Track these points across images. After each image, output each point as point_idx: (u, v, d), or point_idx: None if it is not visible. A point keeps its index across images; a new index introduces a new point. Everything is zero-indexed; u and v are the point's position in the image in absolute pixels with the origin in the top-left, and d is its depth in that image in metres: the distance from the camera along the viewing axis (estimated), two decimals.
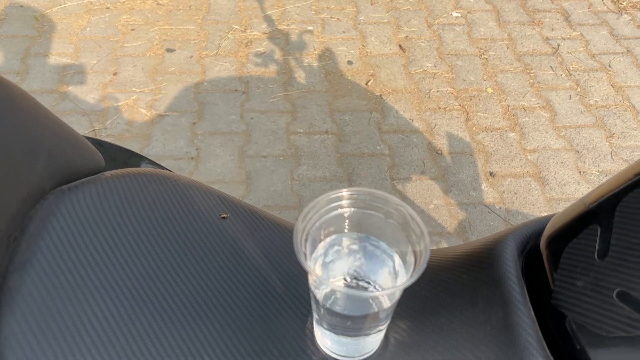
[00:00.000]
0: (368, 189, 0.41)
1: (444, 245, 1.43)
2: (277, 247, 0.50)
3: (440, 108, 1.77)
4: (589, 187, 1.58)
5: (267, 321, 0.45)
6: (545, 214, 1.51)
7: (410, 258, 0.40)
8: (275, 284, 0.47)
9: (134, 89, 1.75)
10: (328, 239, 0.42)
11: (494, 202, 1.53)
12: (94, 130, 1.63)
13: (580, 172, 1.62)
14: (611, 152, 1.67)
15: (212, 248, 0.48)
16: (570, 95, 1.83)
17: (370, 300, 0.38)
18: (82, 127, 1.63)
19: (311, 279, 0.39)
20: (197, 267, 0.46)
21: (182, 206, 0.50)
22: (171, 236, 0.47)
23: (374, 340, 0.43)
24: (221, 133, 1.64)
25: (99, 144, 0.65)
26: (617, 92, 1.85)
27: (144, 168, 0.52)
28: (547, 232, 0.47)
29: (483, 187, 1.56)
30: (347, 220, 0.42)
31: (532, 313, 0.43)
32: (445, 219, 1.48)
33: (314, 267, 0.42)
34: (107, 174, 0.50)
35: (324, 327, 0.42)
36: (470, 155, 1.64)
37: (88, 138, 0.56)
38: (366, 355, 0.44)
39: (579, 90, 1.85)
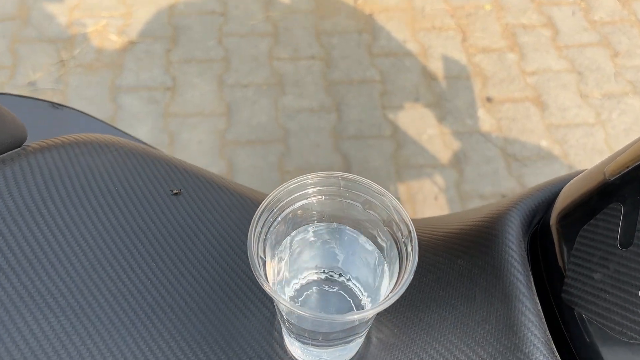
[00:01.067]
0: (341, 173, 0.33)
1: (438, 178, 1.36)
2: (242, 229, 0.43)
3: (435, 28, 1.65)
4: (590, 112, 1.49)
5: (227, 324, 0.38)
6: (545, 142, 1.44)
7: (395, 254, 0.33)
8: (237, 275, 0.40)
9: (103, 14, 1.61)
10: (294, 232, 0.35)
11: (491, 129, 1.45)
12: (62, 60, 1.51)
13: (581, 95, 1.53)
14: (615, 73, 1.57)
15: (161, 235, 0.40)
16: (573, 11, 1.70)
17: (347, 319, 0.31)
18: (49, 57, 1.51)
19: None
20: (140, 261, 0.39)
21: (123, 182, 0.41)
22: (109, 224, 0.39)
23: (353, 346, 0.37)
24: (198, 60, 1.53)
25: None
26: (624, 6, 1.72)
27: (79, 135, 0.43)
28: (558, 206, 0.40)
29: (479, 114, 1.48)
30: (317, 210, 0.34)
31: (539, 308, 0.36)
32: (439, 150, 1.41)
33: (280, 264, 0.35)
34: (30, 147, 0.41)
35: (291, 337, 0.35)
36: (466, 79, 1.54)
37: (18, 96, 0.47)
38: None
39: (583, 5, 1.72)
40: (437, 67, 1.56)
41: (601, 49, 1.63)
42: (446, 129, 1.44)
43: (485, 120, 1.47)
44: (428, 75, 1.54)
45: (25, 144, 0.42)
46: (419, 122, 1.45)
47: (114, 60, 1.52)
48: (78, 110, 0.60)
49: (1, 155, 0.40)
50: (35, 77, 1.48)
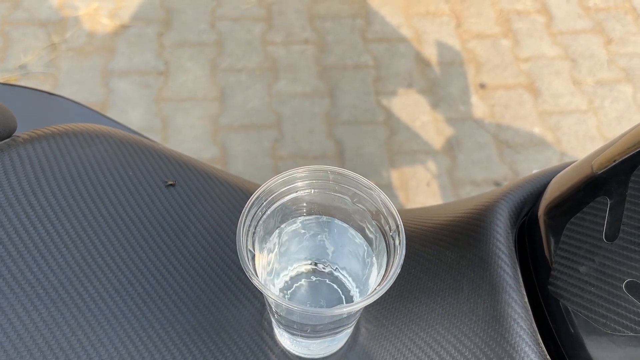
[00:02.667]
0: (330, 167, 0.33)
1: (431, 165, 1.37)
2: (232, 219, 0.43)
3: (429, 13, 1.64)
4: (582, 99, 1.49)
5: (217, 314, 0.38)
6: (537, 129, 1.44)
7: (383, 247, 0.33)
8: (227, 266, 0.40)
9: None
10: (284, 224, 0.35)
11: (484, 116, 1.45)
12: (53, 43, 1.49)
13: (574, 82, 1.53)
14: (608, 61, 1.57)
15: (152, 226, 0.40)
16: None
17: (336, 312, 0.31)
18: (39, 40, 1.50)
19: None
20: (131, 253, 0.39)
21: (114, 173, 0.41)
22: (99, 215, 0.39)
23: (342, 336, 0.37)
24: (191, 44, 1.51)
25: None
26: None
27: (70, 125, 0.43)
28: (546, 198, 0.40)
29: (473, 101, 1.48)
30: (306, 204, 0.35)
31: (526, 300, 0.36)
32: (432, 136, 1.41)
33: (270, 257, 0.35)
34: (20, 138, 0.41)
35: (280, 328, 0.36)
36: (460, 65, 1.54)
37: (7, 85, 0.47)
38: (333, 352, 0.38)
39: None
40: (431, 52, 1.55)
41: (595, 36, 1.62)
42: (439, 116, 1.44)
43: (479, 107, 1.47)
44: (422, 61, 1.53)
45: (15, 134, 0.42)
46: (412, 108, 1.45)
47: (106, 44, 1.50)
48: (69, 99, 0.60)
49: None
50: (26, 60, 1.46)
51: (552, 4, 1.68)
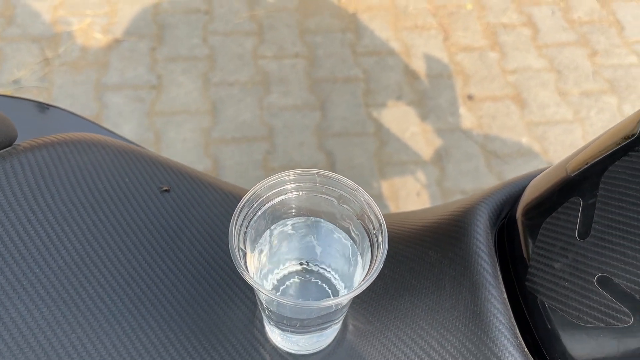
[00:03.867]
0: (317, 170, 0.35)
1: (421, 175, 1.39)
2: (225, 224, 0.45)
3: (417, 26, 1.67)
4: (568, 110, 1.53)
5: (210, 313, 0.40)
6: (525, 139, 1.47)
7: (367, 245, 0.35)
8: (220, 268, 0.42)
9: (87, 12, 1.61)
10: (273, 225, 0.37)
11: (472, 127, 1.48)
12: (47, 58, 1.51)
13: (560, 93, 1.56)
14: (593, 72, 1.61)
15: (148, 230, 0.42)
16: (553, 11, 1.74)
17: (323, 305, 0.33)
18: (33, 55, 1.51)
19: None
20: (128, 255, 0.40)
21: (112, 180, 0.43)
22: (97, 219, 0.41)
23: (330, 332, 0.39)
24: (183, 58, 1.54)
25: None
26: (602, 5, 1.76)
27: (68, 134, 0.45)
28: (524, 201, 0.42)
29: (461, 112, 1.50)
30: (295, 205, 0.36)
31: (505, 296, 0.38)
32: (421, 147, 1.43)
33: (260, 257, 0.37)
34: (21, 146, 0.43)
35: (271, 324, 0.37)
36: (448, 77, 1.57)
37: (7, 97, 0.48)
38: (322, 347, 0.40)
39: (562, 4, 1.76)
40: (419, 65, 1.58)
41: (580, 48, 1.66)
42: (428, 127, 1.47)
43: (467, 118, 1.49)
44: (411, 74, 1.56)
45: (15, 143, 0.44)
46: (401, 120, 1.48)
47: (99, 59, 1.52)
48: (66, 110, 0.62)
49: None
50: (20, 75, 1.48)
51: (537, 17, 1.72)
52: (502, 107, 1.53)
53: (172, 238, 0.42)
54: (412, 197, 1.36)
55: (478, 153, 1.44)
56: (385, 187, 1.37)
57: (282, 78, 1.52)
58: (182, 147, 1.38)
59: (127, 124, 1.41)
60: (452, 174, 1.40)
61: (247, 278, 0.30)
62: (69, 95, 1.46)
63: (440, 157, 1.42)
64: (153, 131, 1.40)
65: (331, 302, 0.30)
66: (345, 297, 0.31)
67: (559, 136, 1.49)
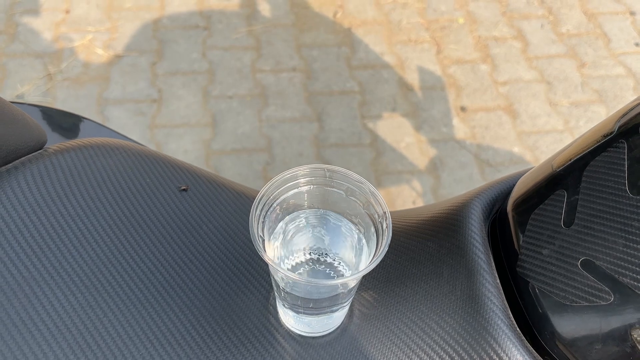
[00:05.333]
0: (327, 165, 0.38)
1: (416, 184, 1.43)
2: (239, 220, 0.48)
3: (410, 40, 1.72)
4: (558, 120, 1.57)
5: (228, 300, 0.43)
6: (517, 148, 1.51)
7: (373, 235, 0.38)
8: (236, 259, 0.45)
9: (89, 28, 1.65)
10: (287, 217, 0.40)
11: (465, 137, 1.52)
12: (49, 74, 1.55)
13: (551, 104, 1.61)
14: (582, 83, 1.66)
15: (169, 225, 0.45)
16: (542, 24, 1.79)
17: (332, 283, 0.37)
18: (36, 71, 1.55)
19: (271, 267, 0.38)
20: (152, 247, 0.44)
21: (134, 180, 0.47)
22: (123, 215, 0.44)
23: (338, 316, 0.42)
24: (183, 73, 1.58)
25: (47, 113, 0.60)
26: (590, 19, 1.82)
27: (93, 138, 0.49)
28: (513, 196, 0.46)
29: (454, 123, 1.55)
30: (306, 198, 0.40)
31: (498, 281, 0.42)
32: (416, 157, 1.47)
33: (275, 245, 0.40)
34: (51, 149, 0.46)
35: (285, 307, 0.41)
36: (441, 89, 1.61)
37: (38, 106, 0.52)
38: (331, 330, 0.43)
39: (551, 18, 1.81)
40: (413, 78, 1.63)
41: (569, 60, 1.71)
42: (423, 137, 1.51)
43: (460, 129, 1.54)
44: (405, 86, 1.61)
45: (45, 146, 0.48)
46: (396, 131, 1.52)
47: (101, 74, 1.56)
48: (88, 119, 0.65)
49: (27, 156, 0.45)
50: (23, 90, 1.51)
51: (527, 31, 1.77)
52: (494, 117, 1.57)
53: (191, 232, 0.46)
54: (409, 205, 1.40)
55: (471, 162, 1.48)
56: (382, 195, 1.40)
57: (279, 91, 1.56)
58: (183, 158, 1.42)
59: (129, 136, 1.44)
60: (446, 183, 1.43)
61: (265, 258, 0.33)
62: (72, 109, 1.49)
63: (435, 166, 1.46)
64: (154, 143, 1.44)
65: (338, 281, 0.34)
66: (352, 277, 0.34)
67: (550, 145, 1.53)
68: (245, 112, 1.51)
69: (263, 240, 0.37)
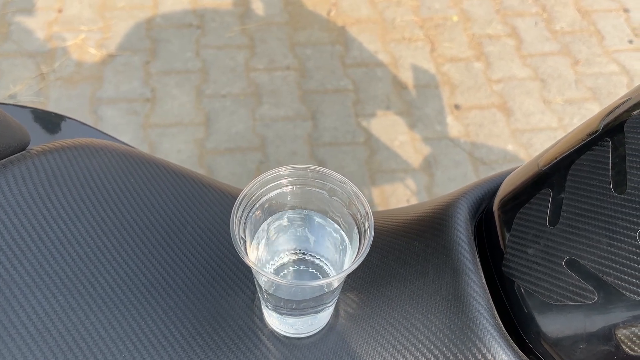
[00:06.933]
0: (309, 165, 0.38)
1: (410, 182, 1.43)
2: (224, 220, 0.48)
3: (404, 38, 1.72)
4: (553, 117, 1.57)
5: (212, 301, 0.43)
6: (511, 146, 1.51)
7: (356, 235, 0.38)
8: (221, 260, 0.45)
9: (81, 27, 1.65)
10: (270, 218, 0.40)
11: (459, 135, 1.52)
12: (42, 73, 1.54)
13: (544, 101, 1.61)
14: (576, 80, 1.66)
15: (153, 226, 0.45)
16: (536, 22, 1.79)
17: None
18: (28, 70, 1.54)
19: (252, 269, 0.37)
20: (136, 249, 0.44)
21: (118, 181, 0.46)
22: (106, 216, 0.44)
23: (323, 316, 0.42)
24: (177, 72, 1.57)
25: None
26: (583, 16, 1.82)
27: (77, 139, 0.48)
28: (500, 195, 0.46)
29: (448, 121, 1.55)
30: (289, 198, 0.40)
31: (484, 281, 0.42)
32: (410, 155, 1.47)
33: (259, 247, 0.40)
34: (34, 150, 0.46)
35: (269, 308, 0.40)
36: (435, 87, 1.61)
37: (21, 107, 0.51)
38: (316, 330, 0.43)
39: (545, 15, 1.81)
40: (407, 76, 1.63)
41: (562, 58, 1.71)
42: (417, 135, 1.51)
43: (454, 127, 1.54)
44: (399, 85, 1.60)
45: (28, 147, 0.47)
46: (390, 129, 1.51)
47: (94, 73, 1.55)
48: (73, 119, 0.65)
49: (8, 158, 0.45)
50: (16, 89, 1.51)
51: (521, 28, 1.77)
52: (488, 115, 1.57)
53: (176, 233, 0.46)
54: (403, 203, 1.39)
55: (466, 160, 1.48)
56: (376, 194, 1.40)
57: (273, 90, 1.56)
58: (176, 158, 1.41)
59: (122, 136, 1.44)
60: (440, 181, 1.43)
61: (247, 261, 0.33)
62: (65, 109, 1.48)
63: (429, 165, 1.45)
64: (148, 143, 1.43)
65: (322, 281, 0.34)
66: (335, 277, 0.34)
67: (544, 143, 1.53)
68: (239, 111, 1.51)
69: (245, 242, 0.37)
